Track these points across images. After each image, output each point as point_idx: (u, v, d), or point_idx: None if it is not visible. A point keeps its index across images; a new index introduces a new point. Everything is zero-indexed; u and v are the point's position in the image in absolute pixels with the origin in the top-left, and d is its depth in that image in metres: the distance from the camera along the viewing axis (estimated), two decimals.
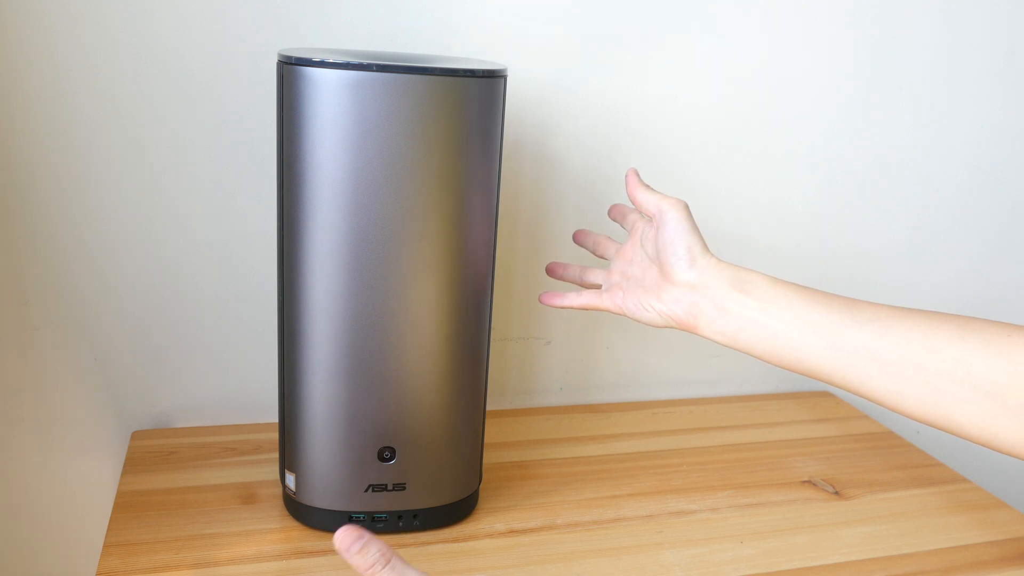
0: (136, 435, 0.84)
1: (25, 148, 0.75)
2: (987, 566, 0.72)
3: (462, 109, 0.61)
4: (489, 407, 0.87)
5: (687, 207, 0.65)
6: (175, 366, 0.85)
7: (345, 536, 0.48)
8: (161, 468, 0.78)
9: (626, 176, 0.68)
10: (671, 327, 0.65)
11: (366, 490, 0.68)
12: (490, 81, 0.62)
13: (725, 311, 0.60)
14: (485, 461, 0.76)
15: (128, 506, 0.72)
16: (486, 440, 0.75)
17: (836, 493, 0.82)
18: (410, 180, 0.61)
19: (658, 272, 0.66)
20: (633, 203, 0.68)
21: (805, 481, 0.84)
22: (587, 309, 0.70)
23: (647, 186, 0.68)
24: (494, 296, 0.71)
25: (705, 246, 0.64)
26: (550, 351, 0.97)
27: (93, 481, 0.86)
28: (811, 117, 0.97)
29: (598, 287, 0.72)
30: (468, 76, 0.61)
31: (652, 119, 0.91)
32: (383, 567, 0.47)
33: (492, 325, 0.73)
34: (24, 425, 0.83)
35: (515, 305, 0.93)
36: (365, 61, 0.58)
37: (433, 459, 0.69)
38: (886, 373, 0.53)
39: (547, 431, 0.91)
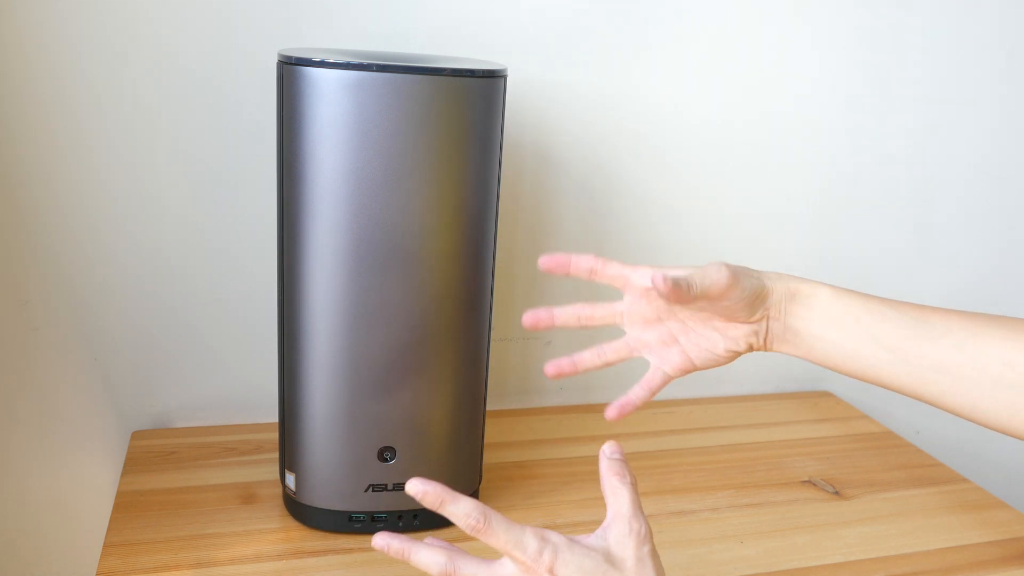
0: (136, 435, 0.84)
1: (25, 149, 0.75)
2: (987, 566, 0.72)
3: (462, 109, 0.61)
4: (489, 407, 0.87)
5: (724, 262, 0.57)
6: (175, 366, 0.85)
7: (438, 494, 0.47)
8: (161, 468, 0.78)
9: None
10: (742, 355, 0.59)
11: (366, 490, 0.68)
12: (490, 81, 0.62)
13: (795, 332, 0.57)
14: (485, 461, 0.76)
15: (128, 506, 0.72)
16: (486, 440, 0.75)
17: (836, 493, 0.82)
18: (410, 180, 0.61)
19: (717, 317, 0.58)
20: (629, 292, 0.60)
21: (805, 481, 0.84)
22: (655, 392, 0.62)
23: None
24: (494, 296, 0.71)
25: (759, 273, 0.57)
26: (550, 351, 0.97)
27: (93, 481, 0.86)
28: (811, 118, 0.97)
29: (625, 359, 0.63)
30: (468, 76, 0.61)
31: (652, 119, 0.91)
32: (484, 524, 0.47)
33: (492, 325, 0.73)
34: (24, 425, 0.83)
35: (515, 305, 0.93)
36: (365, 61, 0.58)
37: (433, 459, 0.69)
38: (963, 388, 0.52)
39: (547, 431, 0.91)
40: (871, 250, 1.05)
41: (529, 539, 0.48)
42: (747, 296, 0.56)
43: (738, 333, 0.58)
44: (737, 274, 0.56)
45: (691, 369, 0.60)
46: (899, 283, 1.08)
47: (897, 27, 0.96)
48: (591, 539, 0.49)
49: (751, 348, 0.59)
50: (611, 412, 0.61)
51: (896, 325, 0.54)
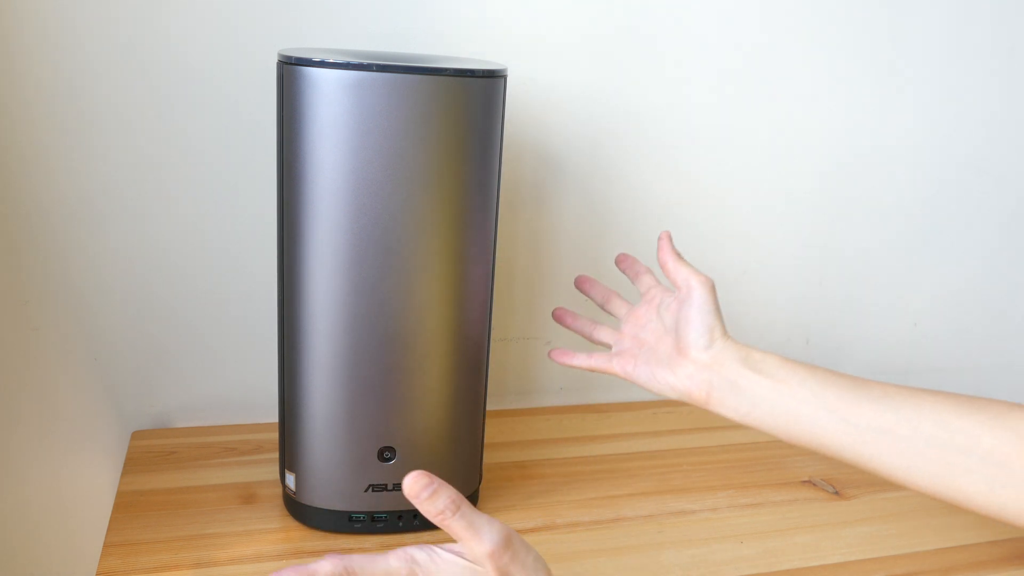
0: (136, 435, 0.84)
1: (25, 149, 0.75)
2: (987, 566, 0.72)
3: (462, 109, 0.61)
4: (489, 407, 0.87)
5: (714, 287, 0.65)
6: (175, 366, 0.85)
7: (415, 483, 0.48)
8: (161, 468, 0.78)
9: (659, 240, 0.68)
10: (681, 400, 0.65)
11: (366, 490, 0.68)
12: (490, 81, 0.62)
13: (739, 389, 0.61)
14: (485, 461, 0.76)
15: (128, 506, 0.72)
16: (486, 440, 0.75)
17: (836, 493, 0.82)
18: (410, 180, 0.61)
19: (673, 344, 0.65)
20: (662, 269, 0.68)
21: (805, 481, 0.84)
22: (595, 371, 0.70)
23: (679, 256, 0.67)
24: (494, 296, 0.71)
25: (724, 328, 0.64)
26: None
27: (93, 481, 0.86)
28: (812, 116, 0.97)
29: (607, 346, 0.72)
30: (468, 76, 0.61)
31: (652, 119, 0.91)
32: (452, 515, 0.48)
33: (492, 325, 0.73)
34: (24, 425, 0.83)
35: (515, 305, 0.93)
36: (365, 61, 0.58)
37: (433, 459, 0.69)
38: (899, 448, 0.55)
39: (547, 431, 0.91)
40: (871, 251, 1.05)
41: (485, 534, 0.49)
42: (706, 321, 0.63)
43: (685, 372, 0.64)
44: (695, 296, 0.64)
45: (629, 376, 0.68)
46: (898, 281, 1.08)
47: (897, 26, 0.96)
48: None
49: (688, 395, 0.64)
50: (555, 353, 0.72)
51: (839, 388, 0.58)
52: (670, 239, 0.68)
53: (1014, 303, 1.14)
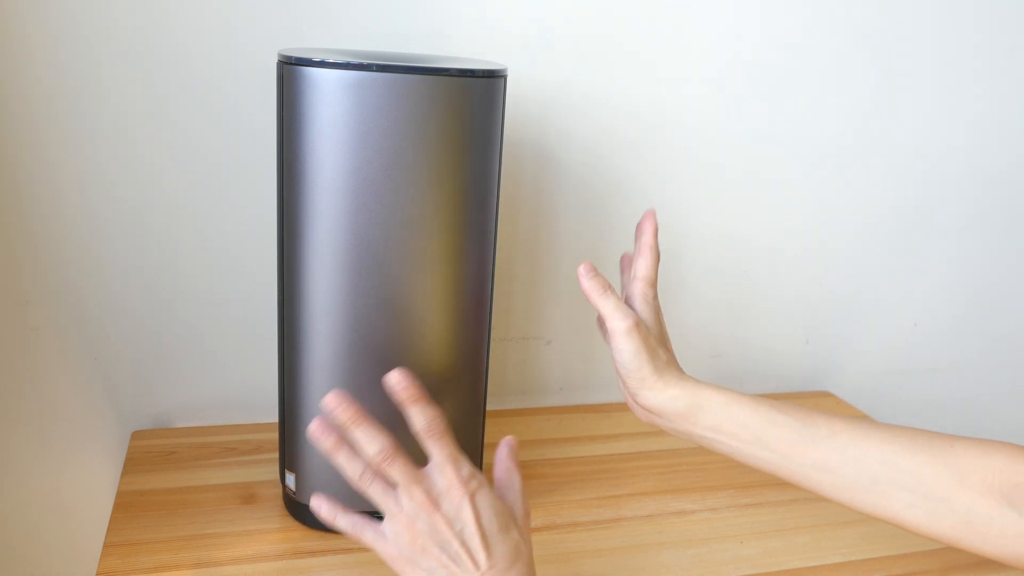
0: (136, 435, 0.84)
1: (25, 148, 0.75)
2: (987, 566, 0.72)
3: (462, 109, 0.61)
4: (489, 407, 0.87)
5: (635, 327, 0.60)
6: (175, 366, 0.85)
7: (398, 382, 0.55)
8: (161, 468, 0.78)
9: (578, 276, 0.62)
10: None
11: None
12: (490, 81, 0.62)
13: (684, 432, 0.62)
14: (485, 461, 0.76)
15: (128, 506, 0.72)
16: (486, 440, 0.75)
17: None
18: (410, 180, 0.61)
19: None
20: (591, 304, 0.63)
21: None
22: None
23: (603, 290, 0.61)
24: (494, 296, 0.71)
25: (656, 366, 0.61)
26: (550, 351, 0.97)
27: (93, 481, 0.86)
28: (812, 117, 0.97)
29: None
30: (468, 76, 0.61)
31: (652, 119, 0.91)
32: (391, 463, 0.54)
33: (492, 325, 0.73)
34: (24, 425, 0.83)
35: (515, 305, 0.93)
36: (365, 61, 0.58)
37: None
38: (841, 485, 0.57)
39: (547, 431, 0.91)
40: (871, 250, 1.05)
41: (466, 463, 0.55)
42: (631, 367, 0.61)
43: (638, 412, 0.63)
44: (614, 346, 0.61)
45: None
46: (897, 281, 1.08)
47: (898, 27, 0.96)
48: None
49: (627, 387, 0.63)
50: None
51: (783, 430, 0.59)
52: (588, 272, 0.62)
53: (1014, 303, 1.14)
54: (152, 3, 0.74)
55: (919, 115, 1.01)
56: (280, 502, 0.74)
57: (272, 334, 0.86)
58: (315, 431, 0.54)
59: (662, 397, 0.61)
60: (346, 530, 0.56)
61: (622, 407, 0.98)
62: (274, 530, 0.70)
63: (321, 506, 0.56)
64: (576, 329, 0.96)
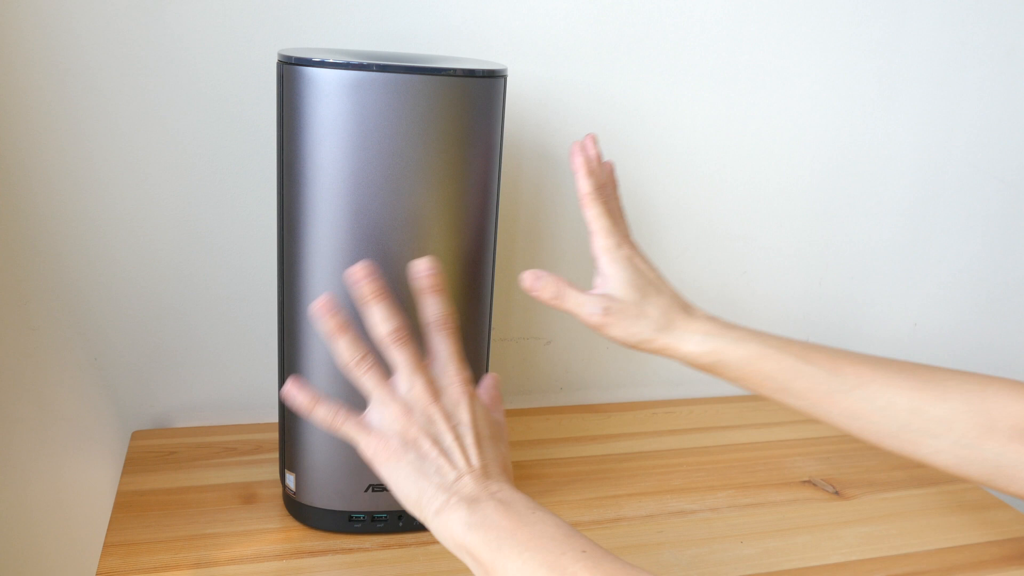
0: (136, 435, 0.84)
1: (24, 148, 0.75)
2: (987, 566, 0.72)
3: (462, 109, 0.61)
4: None
5: (606, 313, 0.60)
6: (175, 366, 0.85)
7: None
8: (161, 468, 0.78)
9: (527, 290, 0.62)
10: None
11: (366, 490, 0.68)
12: (490, 81, 0.62)
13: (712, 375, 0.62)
14: None
15: (128, 506, 0.72)
16: None
17: (836, 493, 0.82)
18: (410, 180, 0.61)
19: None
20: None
21: (805, 481, 0.84)
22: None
23: (558, 292, 0.61)
24: (494, 296, 0.71)
25: (659, 324, 0.60)
26: (550, 351, 0.97)
27: (93, 481, 0.86)
28: (812, 117, 0.97)
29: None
30: (468, 76, 0.61)
31: (652, 119, 0.91)
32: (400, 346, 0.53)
33: (492, 325, 0.73)
34: (24, 425, 0.83)
35: (515, 305, 0.93)
36: (365, 61, 0.58)
37: None
38: (870, 430, 0.57)
39: (547, 431, 0.91)
40: (871, 250, 1.05)
41: (467, 368, 0.55)
42: (627, 342, 0.60)
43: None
44: (610, 324, 0.60)
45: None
46: (898, 280, 1.08)
47: (897, 26, 0.96)
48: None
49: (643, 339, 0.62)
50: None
51: (810, 382, 0.59)
52: (536, 285, 0.61)
53: (1013, 302, 1.14)
54: (152, 3, 0.74)
55: (919, 115, 1.01)
56: (280, 502, 0.74)
57: (272, 334, 0.86)
58: (320, 308, 0.51)
59: (677, 356, 0.61)
60: (324, 421, 0.53)
61: (622, 407, 0.98)
62: (274, 530, 0.70)
63: (296, 394, 0.52)
64: (576, 329, 0.96)
